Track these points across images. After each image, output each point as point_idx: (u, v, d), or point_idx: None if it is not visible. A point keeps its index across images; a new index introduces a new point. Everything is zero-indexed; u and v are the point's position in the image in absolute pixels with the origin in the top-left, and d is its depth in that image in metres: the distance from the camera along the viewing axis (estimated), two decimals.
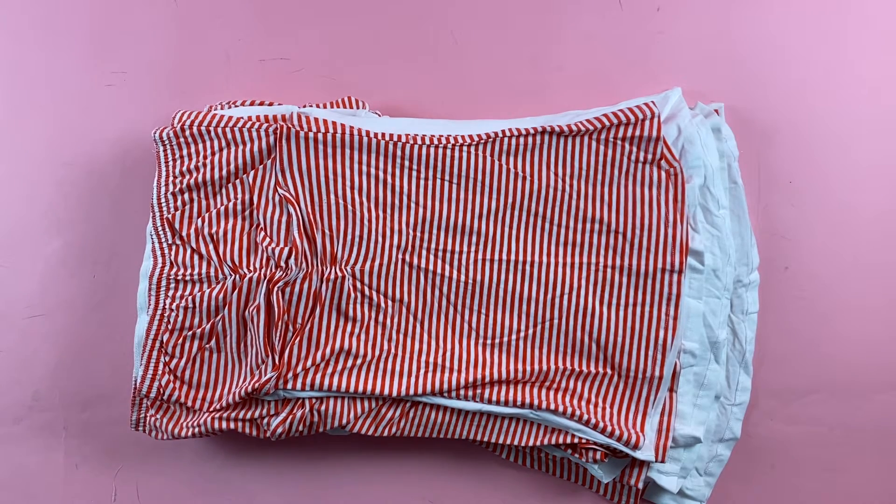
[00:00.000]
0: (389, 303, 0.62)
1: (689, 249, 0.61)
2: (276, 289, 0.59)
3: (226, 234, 0.62)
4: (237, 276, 0.61)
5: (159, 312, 0.62)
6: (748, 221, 0.65)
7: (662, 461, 0.61)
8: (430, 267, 0.62)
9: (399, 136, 0.62)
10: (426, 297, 0.63)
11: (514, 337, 0.62)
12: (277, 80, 0.70)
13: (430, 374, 0.61)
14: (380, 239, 0.62)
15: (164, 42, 0.70)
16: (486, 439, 0.62)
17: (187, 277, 0.62)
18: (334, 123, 0.61)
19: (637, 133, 0.61)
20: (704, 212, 0.63)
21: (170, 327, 0.62)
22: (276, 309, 0.60)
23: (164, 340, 0.62)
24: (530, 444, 0.61)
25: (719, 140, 0.65)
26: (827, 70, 0.68)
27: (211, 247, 0.62)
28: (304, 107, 0.65)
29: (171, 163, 0.62)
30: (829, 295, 0.68)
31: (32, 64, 0.70)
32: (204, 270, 0.62)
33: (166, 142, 0.62)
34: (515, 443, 0.62)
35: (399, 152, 0.61)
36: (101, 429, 0.69)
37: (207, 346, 0.62)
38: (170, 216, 0.62)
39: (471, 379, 0.61)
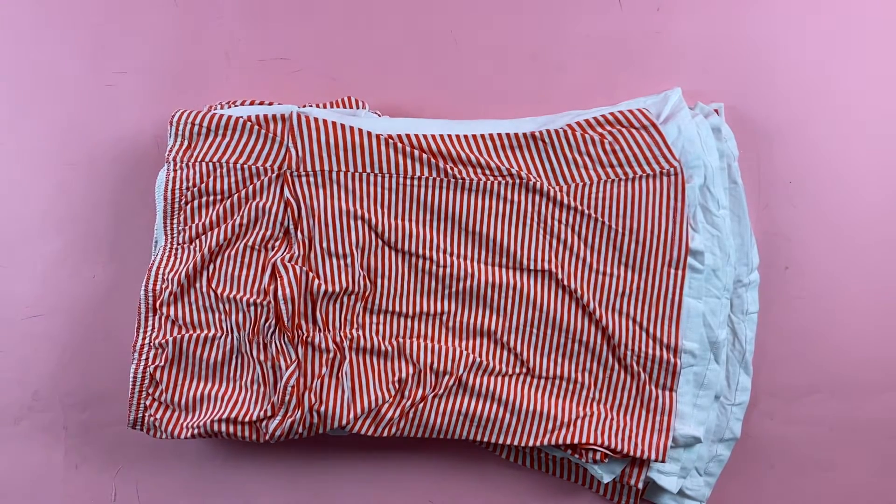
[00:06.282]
0: (397, 318, 0.63)
1: (689, 249, 0.61)
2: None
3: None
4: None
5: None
6: (748, 221, 0.65)
7: (662, 461, 0.61)
8: (440, 272, 0.62)
9: (399, 137, 0.62)
10: (432, 302, 0.63)
11: (521, 336, 0.62)
12: (277, 80, 0.70)
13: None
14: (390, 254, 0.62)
15: (164, 42, 0.70)
16: (486, 439, 0.62)
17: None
18: (334, 123, 0.61)
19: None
20: (704, 212, 0.63)
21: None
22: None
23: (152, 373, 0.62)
24: (530, 444, 0.61)
25: (719, 140, 0.65)
26: (827, 70, 0.68)
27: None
28: (304, 107, 0.65)
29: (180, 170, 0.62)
30: (829, 295, 0.68)
31: (33, 64, 0.70)
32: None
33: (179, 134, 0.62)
34: (515, 443, 0.62)
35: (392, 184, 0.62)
36: (101, 429, 0.69)
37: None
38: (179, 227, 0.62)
39: (487, 364, 0.62)
